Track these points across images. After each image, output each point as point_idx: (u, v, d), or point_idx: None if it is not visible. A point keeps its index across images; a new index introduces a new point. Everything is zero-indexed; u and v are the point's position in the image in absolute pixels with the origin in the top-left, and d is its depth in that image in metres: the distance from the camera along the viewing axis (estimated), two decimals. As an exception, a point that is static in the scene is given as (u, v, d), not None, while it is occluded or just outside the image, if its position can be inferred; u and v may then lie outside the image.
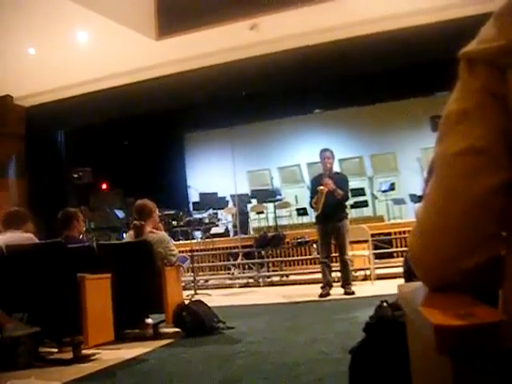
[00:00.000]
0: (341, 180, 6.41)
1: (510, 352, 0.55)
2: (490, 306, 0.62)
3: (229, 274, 9.30)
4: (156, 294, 4.40)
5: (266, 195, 11.12)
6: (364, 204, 10.91)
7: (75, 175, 9.73)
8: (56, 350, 3.94)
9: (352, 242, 6.99)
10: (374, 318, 1.52)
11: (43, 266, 3.76)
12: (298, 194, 12.28)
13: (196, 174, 14.39)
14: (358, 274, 7.71)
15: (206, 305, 4.61)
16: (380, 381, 1.38)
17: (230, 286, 8.64)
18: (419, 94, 10.70)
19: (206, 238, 10.15)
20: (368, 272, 7.55)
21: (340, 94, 10.06)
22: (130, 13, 7.48)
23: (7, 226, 4.16)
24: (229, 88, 8.88)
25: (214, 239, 10.09)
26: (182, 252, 7.27)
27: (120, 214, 10.29)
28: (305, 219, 11.01)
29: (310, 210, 8.81)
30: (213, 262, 9.67)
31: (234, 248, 9.60)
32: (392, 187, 11.51)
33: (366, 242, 7.40)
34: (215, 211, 11.34)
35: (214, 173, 13.03)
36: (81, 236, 5.42)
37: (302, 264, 9.06)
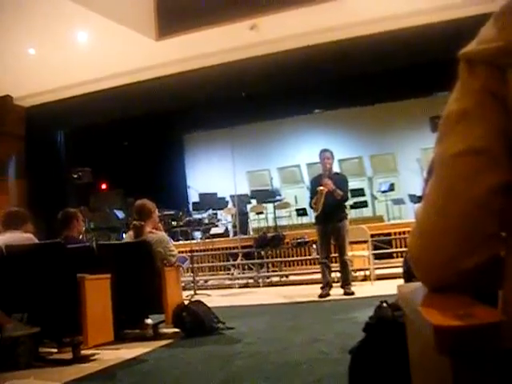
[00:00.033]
0: (340, 180, 6.41)
1: (510, 352, 0.56)
2: (490, 306, 0.62)
3: (228, 274, 9.29)
4: (156, 295, 4.40)
5: (266, 195, 11.13)
6: (364, 204, 10.92)
7: (75, 175, 9.73)
8: (56, 350, 3.94)
9: (352, 243, 6.99)
10: (374, 319, 1.52)
11: (43, 266, 3.76)
12: (298, 195, 12.29)
13: (196, 174, 14.40)
14: (357, 274, 7.70)
15: (205, 305, 4.61)
16: (380, 381, 1.38)
17: (230, 287, 8.64)
18: (419, 95, 10.70)
19: (206, 238, 10.14)
20: (368, 272, 7.55)
21: (340, 94, 10.07)
22: (130, 13, 7.48)
23: (7, 226, 4.16)
24: (229, 88, 8.88)
25: (214, 239, 10.08)
26: (182, 252, 7.28)
27: (120, 214, 10.29)
28: (304, 219, 11.02)
29: (309, 211, 8.81)
30: (212, 262, 9.67)
31: (234, 248, 9.59)
32: (392, 187, 11.52)
33: (365, 242, 7.40)
34: (215, 211, 11.34)
35: (213, 173, 13.03)
36: (80, 236, 5.42)
37: (302, 264, 9.06)
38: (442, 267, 0.69)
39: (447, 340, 0.55)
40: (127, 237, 5.06)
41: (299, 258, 9.08)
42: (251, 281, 8.67)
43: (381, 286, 6.57)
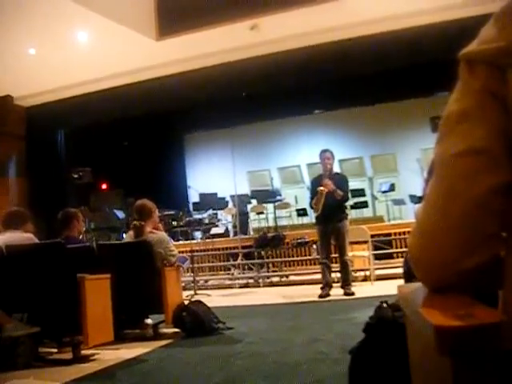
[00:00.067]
0: (341, 181, 6.41)
1: (510, 352, 0.55)
2: (490, 306, 0.62)
3: (229, 274, 9.29)
4: (156, 295, 4.40)
5: (266, 196, 11.13)
6: (364, 205, 10.92)
7: (75, 175, 9.73)
8: (56, 350, 3.94)
9: (352, 243, 6.99)
10: (374, 319, 1.52)
11: (43, 266, 3.76)
12: (298, 195, 12.29)
13: (196, 174, 14.40)
14: (357, 274, 7.70)
15: (205, 305, 4.61)
16: (380, 381, 1.38)
17: (230, 287, 8.64)
18: (419, 95, 10.72)
19: (206, 238, 10.14)
20: (368, 273, 7.55)
21: (340, 94, 10.08)
22: (130, 13, 7.48)
23: (7, 225, 4.16)
24: (229, 88, 8.88)
25: (214, 239, 10.08)
26: (182, 252, 7.28)
27: (120, 214, 10.29)
28: (305, 220, 11.02)
29: (309, 211, 8.81)
30: (213, 262, 9.67)
31: (234, 248, 9.59)
32: (392, 188, 11.52)
33: (365, 242, 7.40)
34: (215, 211, 11.35)
35: (214, 173, 13.03)
36: (81, 236, 5.42)
37: (302, 264, 9.06)
38: (442, 267, 0.69)
39: (448, 340, 0.55)
40: (127, 237, 5.06)
41: (299, 258, 9.08)
42: (251, 281, 8.67)
43: (381, 286, 6.56)
